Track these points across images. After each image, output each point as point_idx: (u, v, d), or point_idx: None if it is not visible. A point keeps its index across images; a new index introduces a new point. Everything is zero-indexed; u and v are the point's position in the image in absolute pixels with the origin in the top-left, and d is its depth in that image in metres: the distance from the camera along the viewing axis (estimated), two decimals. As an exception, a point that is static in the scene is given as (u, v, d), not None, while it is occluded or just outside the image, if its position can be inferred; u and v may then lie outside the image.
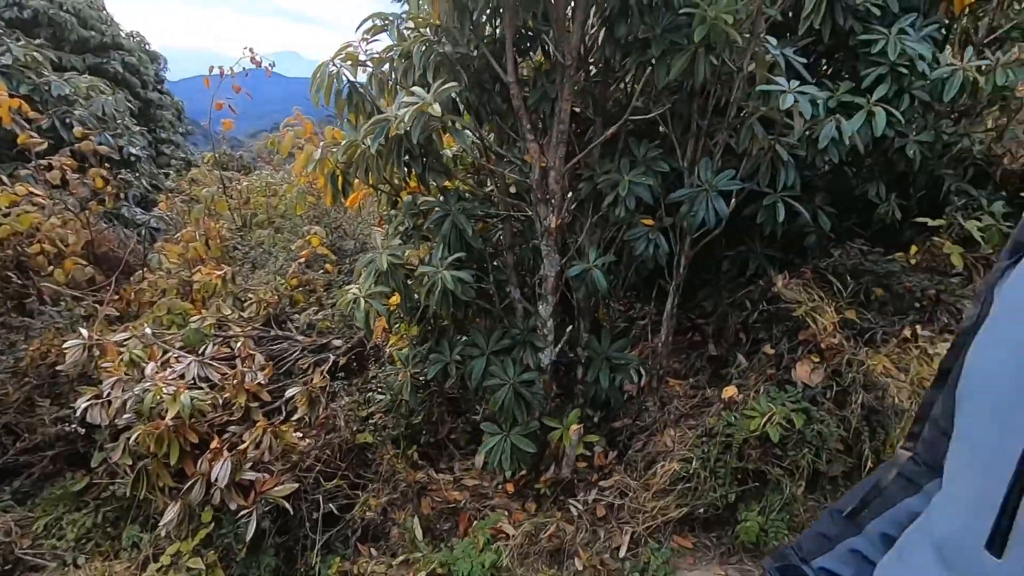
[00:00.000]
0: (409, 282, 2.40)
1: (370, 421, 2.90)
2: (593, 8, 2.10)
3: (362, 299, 2.27)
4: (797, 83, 2.04)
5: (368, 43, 2.36)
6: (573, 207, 2.40)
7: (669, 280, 2.57)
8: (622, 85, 2.53)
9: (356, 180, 2.32)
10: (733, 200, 2.32)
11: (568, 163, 2.23)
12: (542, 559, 2.40)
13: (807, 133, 2.33)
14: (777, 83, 2.04)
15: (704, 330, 3.17)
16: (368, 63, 2.31)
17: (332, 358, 3.22)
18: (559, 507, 2.61)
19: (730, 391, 2.51)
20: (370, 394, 2.98)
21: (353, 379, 3.11)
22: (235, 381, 2.80)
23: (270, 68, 4.46)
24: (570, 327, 2.58)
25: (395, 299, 2.53)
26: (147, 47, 10.56)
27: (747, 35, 2.07)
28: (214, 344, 3.10)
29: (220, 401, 2.76)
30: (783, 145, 2.32)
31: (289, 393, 2.83)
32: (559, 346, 2.49)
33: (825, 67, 2.99)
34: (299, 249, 4.01)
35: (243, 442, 2.57)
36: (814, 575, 0.67)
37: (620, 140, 2.39)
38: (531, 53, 2.31)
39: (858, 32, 2.58)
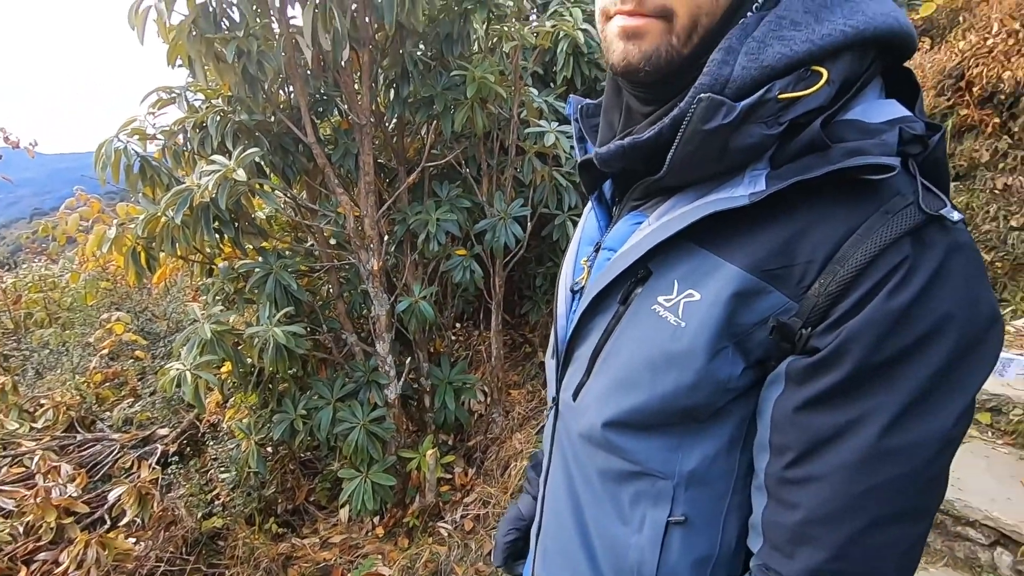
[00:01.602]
0: (239, 347, 2.37)
1: (216, 503, 2.72)
2: (378, 74, 2.36)
3: (188, 373, 2.19)
4: (557, 123, 2.50)
5: (156, 116, 2.34)
6: (393, 249, 2.59)
7: (491, 300, 2.88)
8: (419, 137, 2.82)
9: (162, 254, 2.25)
10: (529, 224, 2.72)
11: (380, 209, 2.43)
12: (422, 587, 2.47)
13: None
14: (542, 125, 2.48)
15: (532, 340, 3.56)
16: (159, 136, 2.28)
17: (160, 448, 2.95)
18: (430, 534, 2.71)
19: (559, 387, 2.86)
20: (212, 473, 2.79)
21: (190, 463, 2.88)
22: (38, 500, 2.43)
23: (32, 148, 3.97)
24: (410, 359, 2.73)
25: (227, 368, 2.46)
26: None
27: (512, 88, 2.49)
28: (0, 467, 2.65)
29: (22, 528, 2.37)
30: (560, 174, 2.79)
31: (113, 496, 2.54)
32: (403, 380, 2.63)
33: (584, 108, 3.63)
34: (99, 341, 3.59)
35: (61, 564, 2.25)
36: None
37: (425, 184, 2.66)
38: (329, 115, 2.48)
39: (601, 80, 3.22)
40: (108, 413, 3.21)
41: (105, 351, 3.50)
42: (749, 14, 0.53)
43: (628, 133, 0.60)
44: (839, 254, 0.47)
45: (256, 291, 2.35)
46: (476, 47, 2.55)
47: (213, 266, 2.53)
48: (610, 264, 0.61)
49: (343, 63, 2.12)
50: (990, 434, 2.60)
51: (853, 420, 0.47)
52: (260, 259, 2.39)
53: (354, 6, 2.11)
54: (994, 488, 2.16)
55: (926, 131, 0.50)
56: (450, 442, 3.07)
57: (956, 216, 0.47)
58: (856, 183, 0.48)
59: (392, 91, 2.39)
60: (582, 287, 0.68)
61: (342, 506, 2.78)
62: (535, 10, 3.61)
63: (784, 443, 0.51)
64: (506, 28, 2.45)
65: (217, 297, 2.55)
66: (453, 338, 3.61)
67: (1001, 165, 3.66)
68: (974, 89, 3.63)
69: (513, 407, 3.04)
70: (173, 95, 2.32)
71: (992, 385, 2.59)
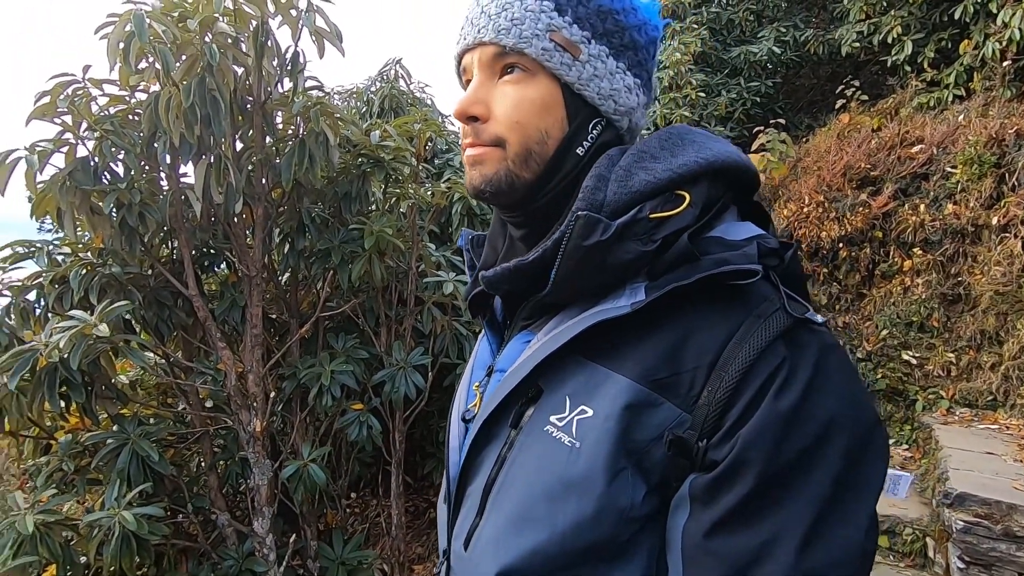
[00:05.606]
0: (72, 542, 1.91)
1: None
2: (272, 228, 2.35)
3: (-9, 585, 1.70)
4: (455, 274, 2.58)
5: (5, 272, 2.10)
6: (280, 408, 2.36)
7: (390, 459, 2.65)
8: (314, 290, 2.76)
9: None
10: (430, 374, 2.64)
11: (267, 364, 2.25)
12: None
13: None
14: (440, 276, 2.55)
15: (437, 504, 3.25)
16: (6, 292, 2.03)
17: None
18: None
19: (469, 554, 2.57)
20: None
21: None
22: None
23: None
24: (295, 537, 2.35)
25: (50, 573, 1.95)
26: None
27: (410, 243, 2.58)
28: None
29: None
30: (460, 323, 2.81)
31: None
32: (284, 564, 2.23)
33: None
34: None
35: None
36: None
37: (319, 337, 2.55)
38: (216, 268, 2.38)
39: (493, 237, 3.46)
40: None
41: None
42: (585, 142, 0.61)
43: (511, 258, 0.63)
44: (721, 359, 0.50)
45: (104, 467, 1.98)
46: (374, 206, 2.67)
47: (52, 441, 2.13)
48: (499, 384, 0.60)
49: (235, 216, 2.10)
50: (892, 558, 2.66)
51: (769, 540, 0.45)
52: (115, 428, 2.05)
53: (250, 166, 2.16)
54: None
55: (780, 247, 0.57)
56: (342, 642, 2.55)
57: (820, 319, 0.52)
58: (727, 290, 0.53)
59: (287, 244, 2.37)
60: (474, 415, 0.64)
61: None
62: (429, 178, 3.93)
63: None
64: (401, 190, 2.60)
65: (51, 480, 2.10)
66: (347, 509, 3.20)
67: (837, 307, 4.28)
68: (802, 246, 4.35)
69: (418, 586, 2.65)
70: (32, 250, 2.12)
71: (883, 506, 2.71)
